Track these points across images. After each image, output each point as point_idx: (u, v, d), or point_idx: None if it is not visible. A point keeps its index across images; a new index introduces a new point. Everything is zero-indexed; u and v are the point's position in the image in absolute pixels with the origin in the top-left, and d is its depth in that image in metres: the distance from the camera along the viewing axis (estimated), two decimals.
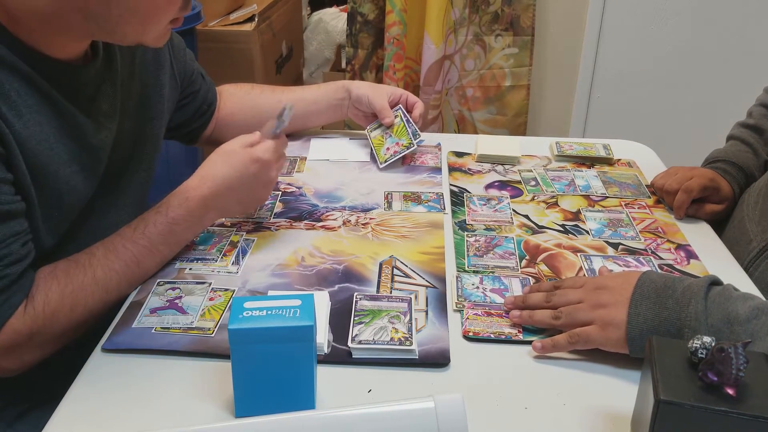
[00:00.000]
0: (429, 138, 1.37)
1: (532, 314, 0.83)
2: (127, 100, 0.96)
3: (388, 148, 1.24)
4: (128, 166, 0.99)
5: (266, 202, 1.11)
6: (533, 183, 1.20)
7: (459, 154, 1.30)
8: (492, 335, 0.83)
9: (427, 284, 0.92)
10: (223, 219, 1.06)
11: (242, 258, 0.97)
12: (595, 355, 0.79)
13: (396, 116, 1.27)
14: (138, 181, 1.01)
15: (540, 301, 0.84)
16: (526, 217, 1.09)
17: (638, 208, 1.12)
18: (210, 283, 0.91)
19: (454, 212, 1.10)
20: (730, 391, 0.59)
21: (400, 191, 1.16)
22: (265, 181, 0.95)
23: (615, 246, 1.01)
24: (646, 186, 1.19)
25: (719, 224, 1.12)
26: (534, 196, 1.15)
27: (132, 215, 0.92)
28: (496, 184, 1.20)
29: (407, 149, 1.23)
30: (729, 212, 1.13)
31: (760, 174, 1.14)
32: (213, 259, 0.96)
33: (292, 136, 1.34)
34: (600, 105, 2.54)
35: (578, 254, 0.99)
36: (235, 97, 1.27)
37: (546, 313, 0.82)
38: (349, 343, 0.80)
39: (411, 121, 1.25)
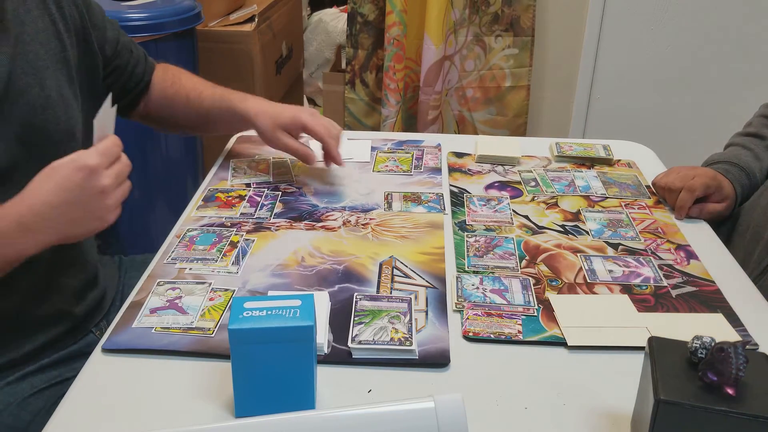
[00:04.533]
0: (429, 138, 1.38)
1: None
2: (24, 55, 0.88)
3: None
4: (47, 135, 0.90)
5: (266, 202, 1.11)
6: (533, 183, 1.20)
7: (459, 155, 1.30)
8: (492, 335, 0.83)
9: (427, 284, 0.92)
10: (223, 219, 1.06)
11: (242, 258, 0.97)
12: (595, 355, 0.79)
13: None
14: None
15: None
16: (526, 217, 1.09)
17: (638, 208, 1.12)
18: (210, 283, 0.91)
19: (454, 213, 1.10)
20: (730, 391, 0.59)
21: (400, 192, 1.16)
22: (96, 190, 0.79)
23: (615, 246, 1.01)
24: (646, 186, 1.19)
25: (719, 224, 1.12)
26: (534, 197, 1.15)
27: None
28: (496, 184, 1.20)
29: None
30: (730, 212, 1.13)
31: (762, 175, 1.14)
32: (213, 259, 0.96)
33: None
34: (600, 105, 2.54)
35: (578, 254, 0.99)
36: (164, 84, 1.18)
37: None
38: (349, 343, 0.80)
39: None
